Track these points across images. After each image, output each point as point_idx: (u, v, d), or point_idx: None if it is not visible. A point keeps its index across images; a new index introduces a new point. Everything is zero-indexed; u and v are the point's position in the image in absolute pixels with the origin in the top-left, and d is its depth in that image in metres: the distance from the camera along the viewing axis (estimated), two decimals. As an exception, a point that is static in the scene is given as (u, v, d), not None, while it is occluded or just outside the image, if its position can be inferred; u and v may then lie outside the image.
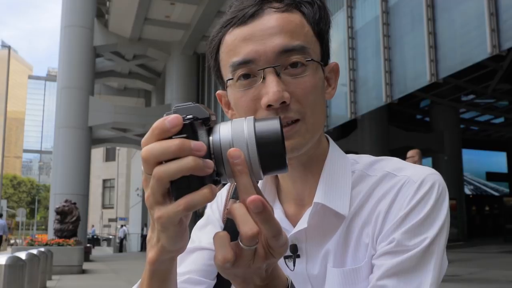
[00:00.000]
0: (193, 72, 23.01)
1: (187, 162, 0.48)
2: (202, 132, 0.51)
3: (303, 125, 0.71)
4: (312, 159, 0.78)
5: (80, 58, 20.22)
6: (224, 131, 0.52)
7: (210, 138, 0.52)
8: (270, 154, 0.52)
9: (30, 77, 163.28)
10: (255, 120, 0.53)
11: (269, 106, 0.69)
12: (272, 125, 0.52)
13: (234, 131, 0.52)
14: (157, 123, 0.50)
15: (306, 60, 0.71)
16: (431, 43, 9.20)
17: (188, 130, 0.50)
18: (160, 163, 0.49)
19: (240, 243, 0.50)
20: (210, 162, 0.49)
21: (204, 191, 0.49)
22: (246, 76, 0.71)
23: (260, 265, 0.52)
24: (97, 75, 23.50)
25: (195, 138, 0.50)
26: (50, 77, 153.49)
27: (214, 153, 0.52)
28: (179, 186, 0.49)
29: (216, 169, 0.52)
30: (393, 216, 0.71)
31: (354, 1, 12.06)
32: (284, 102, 0.69)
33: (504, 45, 7.76)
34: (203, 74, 23.06)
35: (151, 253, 0.56)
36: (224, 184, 0.53)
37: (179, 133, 0.49)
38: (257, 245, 0.50)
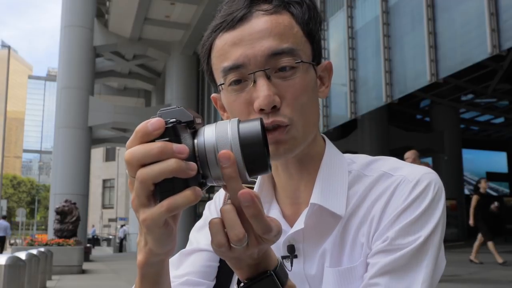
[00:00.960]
0: (193, 72, 23.01)
1: (170, 164, 0.49)
2: (185, 135, 0.52)
3: (293, 128, 0.72)
4: (307, 157, 0.78)
5: (80, 58, 20.21)
6: (208, 134, 0.53)
7: (195, 141, 0.53)
8: (254, 155, 0.52)
9: (30, 77, 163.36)
10: (239, 122, 0.54)
11: (261, 110, 0.70)
12: (253, 126, 0.53)
13: (218, 133, 0.52)
14: (139, 126, 0.51)
15: (296, 62, 0.71)
16: (431, 43, 9.20)
17: (170, 133, 0.50)
18: (143, 166, 0.50)
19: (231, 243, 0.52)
20: (193, 164, 0.50)
21: (187, 192, 0.49)
22: (237, 81, 0.72)
23: (254, 250, 0.54)
24: (97, 75, 23.51)
25: (178, 141, 0.50)
26: (50, 77, 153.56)
27: (199, 156, 0.52)
28: (163, 189, 0.50)
29: (202, 172, 0.53)
30: (388, 215, 0.71)
31: (354, 1, 12.06)
32: (275, 107, 0.70)
33: (504, 45, 7.76)
34: (203, 74, 22.94)
35: (139, 256, 0.56)
36: (211, 187, 0.54)
37: (162, 137, 0.50)
38: (245, 244, 0.52)
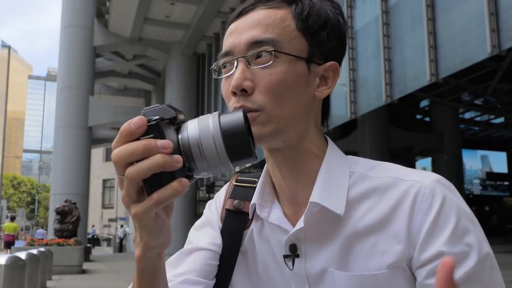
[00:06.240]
0: (193, 72, 23.02)
1: (156, 160, 0.51)
2: (169, 131, 0.54)
3: (262, 115, 0.71)
4: (298, 154, 0.77)
5: (80, 58, 20.22)
6: (191, 128, 0.55)
7: (179, 136, 0.55)
8: (237, 145, 0.54)
9: (30, 77, 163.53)
10: (220, 114, 0.56)
11: (233, 93, 0.72)
12: (236, 116, 0.56)
13: (200, 127, 0.55)
14: (123, 127, 0.53)
15: (269, 50, 0.71)
16: (431, 43, 9.20)
17: (154, 130, 0.53)
18: (131, 164, 0.52)
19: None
20: (178, 157, 0.52)
21: (174, 184, 0.52)
22: (224, 65, 0.76)
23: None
24: (97, 75, 23.51)
25: (162, 137, 0.53)
26: (50, 77, 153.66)
27: (184, 150, 0.55)
28: (152, 184, 0.52)
29: (188, 165, 0.55)
30: (421, 232, 0.68)
31: (354, 1, 12.07)
32: (244, 90, 0.71)
33: (504, 45, 7.76)
34: (203, 74, 23.05)
35: (136, 251, 0.59)
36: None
37: (146, 134, 0.52)
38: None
